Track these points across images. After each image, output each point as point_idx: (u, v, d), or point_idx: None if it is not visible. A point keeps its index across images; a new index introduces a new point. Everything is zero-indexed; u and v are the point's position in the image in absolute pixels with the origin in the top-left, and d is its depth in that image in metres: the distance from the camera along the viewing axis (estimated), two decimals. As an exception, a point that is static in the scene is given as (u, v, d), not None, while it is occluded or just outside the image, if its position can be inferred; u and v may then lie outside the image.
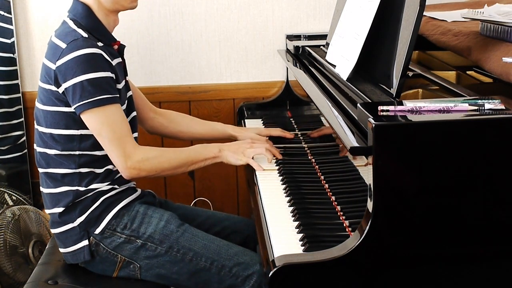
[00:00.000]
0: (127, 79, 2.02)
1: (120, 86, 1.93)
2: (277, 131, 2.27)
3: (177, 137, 2.32)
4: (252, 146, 2.05)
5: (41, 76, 1.92)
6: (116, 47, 1.98)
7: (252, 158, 2.03)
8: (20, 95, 2.79)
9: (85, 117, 1.84)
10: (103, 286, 1.91)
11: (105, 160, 1.91)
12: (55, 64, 1.83)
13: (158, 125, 2.27)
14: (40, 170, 1.97)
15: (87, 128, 1.87)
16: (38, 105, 1.93)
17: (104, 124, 1.84)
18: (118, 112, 1.87)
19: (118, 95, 1.88)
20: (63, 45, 1.83)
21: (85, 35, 1.86)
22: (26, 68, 2.80)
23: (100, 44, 1.88)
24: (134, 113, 2.03)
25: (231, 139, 2.27)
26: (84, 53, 1.81)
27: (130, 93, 2.02)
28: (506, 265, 1.47)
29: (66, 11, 1.96)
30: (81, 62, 1.80)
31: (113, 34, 1.98)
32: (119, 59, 1.97)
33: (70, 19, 1.92)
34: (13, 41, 2.75)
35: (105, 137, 1.85)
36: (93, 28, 1.90)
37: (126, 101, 1.98)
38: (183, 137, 2.32)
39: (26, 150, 2.82)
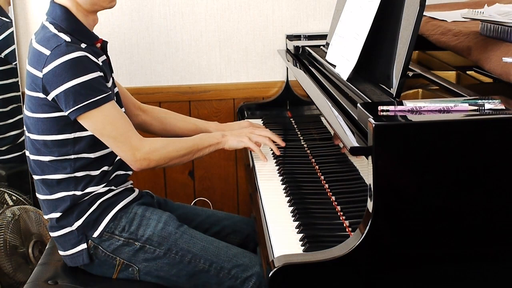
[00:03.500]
0: (113, 75, 2.01)
1: (109, 84, 1.92)
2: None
3: (161, 135, 2.26)
4: (253, 132, 2.07)
5: (27, 84, 1.88)
6: (99, 45, 1.95)
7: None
8: (19, 94, 2.79)
9: (83, 120, 1.82)
10: (103, 286, 1.91)
11: (100, 161, 1.90)
12: (41, 72, 1.80)
13: (141, 123, 2.23)
14: (35, 177, 1.94)
15: (80, 130, 1.85)
16: (27, 112, 1.90)
17: (105, 123, 1.83)
18: (115, 108, 1.86)
19: (111, 92, 1.87)
20: (47, 52, 1.80)
21: (67, 39, 1.83)
22: (26, 68, 2.80)
23: (83, 45, 1.86)
24: (123, 109, 2.01)
25: None
26: (69, 58, 1.78)
27: (116, 89, 2.01)
28: (506, 265, 1.47)
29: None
30: (68, 68, 1.78)
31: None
32: (104, 57, 1.95)
33: (50, 23, 1.88)
34: (3, 40, 2.76)
35: (109, 136, 1.84)
36: (74, 30, 1.87)
37: (115, 98, 1.96)
38: (167, 135, 2.25)
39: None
